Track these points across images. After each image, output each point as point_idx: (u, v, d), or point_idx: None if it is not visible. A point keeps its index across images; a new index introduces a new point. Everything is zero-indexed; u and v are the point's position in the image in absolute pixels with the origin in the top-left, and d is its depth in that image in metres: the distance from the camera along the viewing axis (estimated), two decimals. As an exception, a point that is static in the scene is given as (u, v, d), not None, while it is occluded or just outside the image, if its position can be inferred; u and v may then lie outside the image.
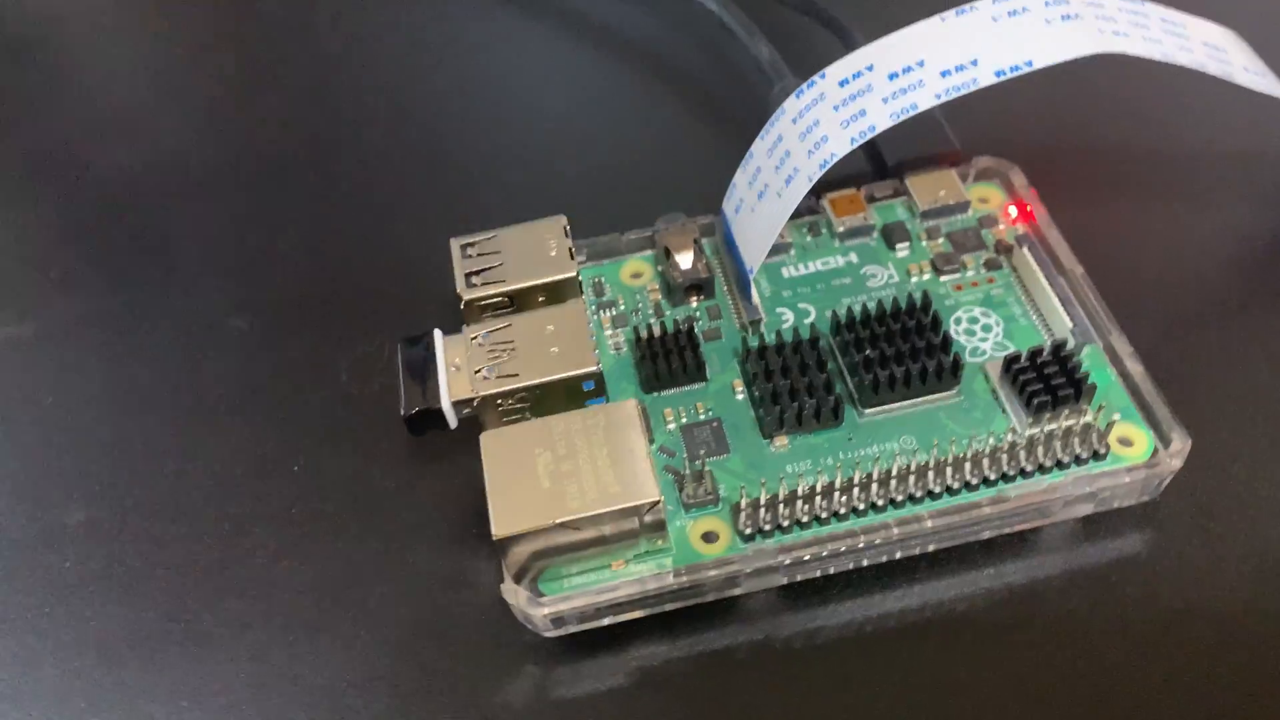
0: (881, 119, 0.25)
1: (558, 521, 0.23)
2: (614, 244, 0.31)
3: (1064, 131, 0.36)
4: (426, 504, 0.28)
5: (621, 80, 0.40)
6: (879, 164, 0.32)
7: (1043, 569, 0.26)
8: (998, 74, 0.25)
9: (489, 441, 0.25)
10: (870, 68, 0.26)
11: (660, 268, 0.30)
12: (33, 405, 0.32)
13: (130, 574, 0.28)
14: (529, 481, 0.24)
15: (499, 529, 0.23)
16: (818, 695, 0.25)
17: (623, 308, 0.30)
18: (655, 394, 0.28)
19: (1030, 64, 0.25)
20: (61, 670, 0.26)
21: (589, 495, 0.24)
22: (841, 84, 0.26)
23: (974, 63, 0.25)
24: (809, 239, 0.31)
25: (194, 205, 0.37)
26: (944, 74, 0.25)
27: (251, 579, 0.27)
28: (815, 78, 0.26)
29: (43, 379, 0.32)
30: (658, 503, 0.24)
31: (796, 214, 0.31)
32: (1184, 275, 0.31)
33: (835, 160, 0.26)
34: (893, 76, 0.25)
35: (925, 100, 0.25)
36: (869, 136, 0.25)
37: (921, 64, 0.25)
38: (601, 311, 0.30)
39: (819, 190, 0.31)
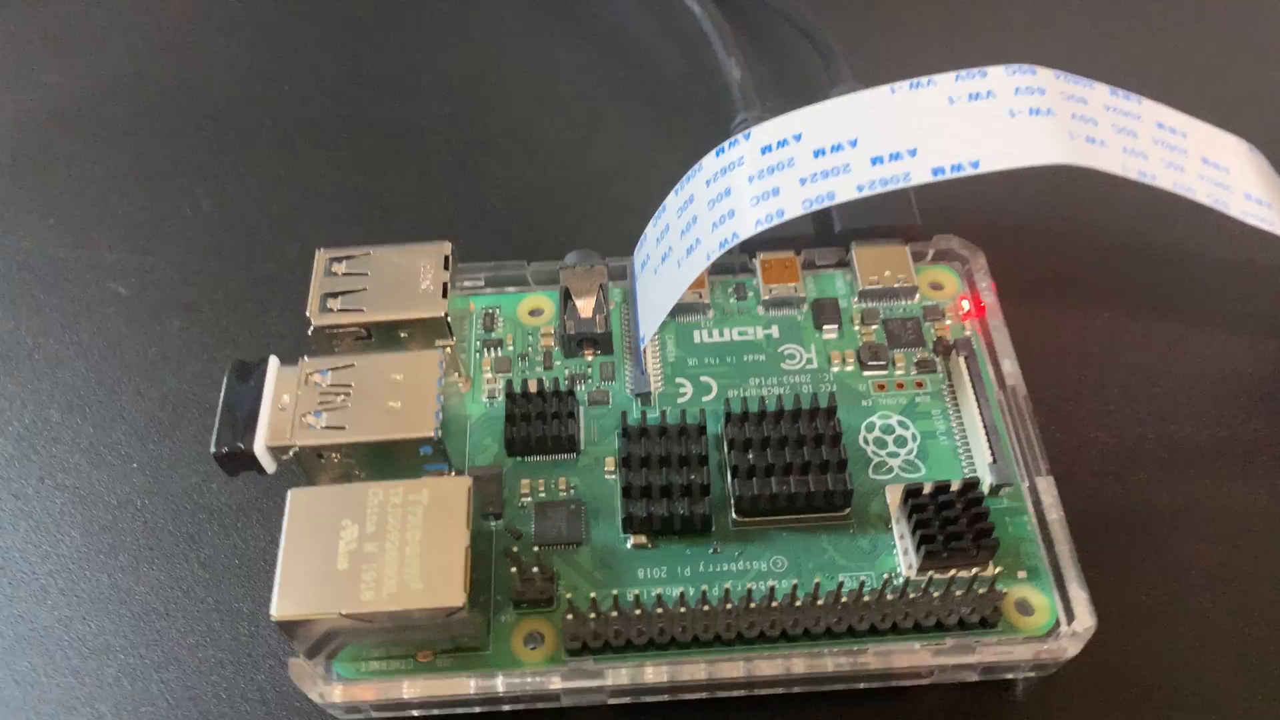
0: (793, 205, 0.21)
1: (343, 613, 0.21)
2: (518, 273, 0.28)
3: (1046, 219, 0.31)
4: (255, 531, 0.26)
5: (601, 90, 0.36)
6: (826, 228, 0.28)
7: (914, 727, 0.23)
8: (935, 172, 0.21)
9: (297, 500, 0.22)
10: (798, 137, 0.22)
11: (562, 314, 0.27)
12: None
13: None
14: (326, 559, 0.21)
15: (279, 609, 0.21)
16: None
17: (511, 349, 0.27)
18: (520, 459, 0.25)
19: (976, 165, 0.21)
20: None
21: (385, 588, 0.21)
22: (764, 151, 0.22)
23: (912, 153, 0.21)
24: (733, 301, 0.27)
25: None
26: (875, 161, 0.21)
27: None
28: (739, 137, 0.23)
29: None
30: (460, 610, 0.21)
31: (727, 268, 0.28)
32: (1138, 411, 0.27)
33: (737, 241, 0.22)
34: (819, 154, 0.22)
35: (845, 191, 0.21)
36: (775, 223, 0.22)
37: (854, 144, 0.21)
38: (486, 350, 0.27)
39: (754, 247, 0.27)
